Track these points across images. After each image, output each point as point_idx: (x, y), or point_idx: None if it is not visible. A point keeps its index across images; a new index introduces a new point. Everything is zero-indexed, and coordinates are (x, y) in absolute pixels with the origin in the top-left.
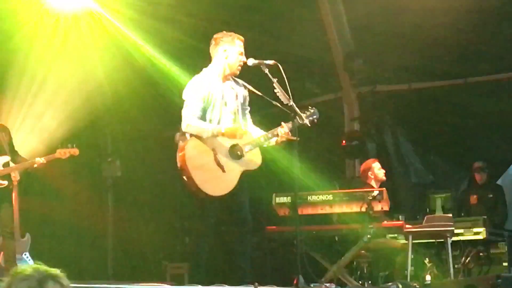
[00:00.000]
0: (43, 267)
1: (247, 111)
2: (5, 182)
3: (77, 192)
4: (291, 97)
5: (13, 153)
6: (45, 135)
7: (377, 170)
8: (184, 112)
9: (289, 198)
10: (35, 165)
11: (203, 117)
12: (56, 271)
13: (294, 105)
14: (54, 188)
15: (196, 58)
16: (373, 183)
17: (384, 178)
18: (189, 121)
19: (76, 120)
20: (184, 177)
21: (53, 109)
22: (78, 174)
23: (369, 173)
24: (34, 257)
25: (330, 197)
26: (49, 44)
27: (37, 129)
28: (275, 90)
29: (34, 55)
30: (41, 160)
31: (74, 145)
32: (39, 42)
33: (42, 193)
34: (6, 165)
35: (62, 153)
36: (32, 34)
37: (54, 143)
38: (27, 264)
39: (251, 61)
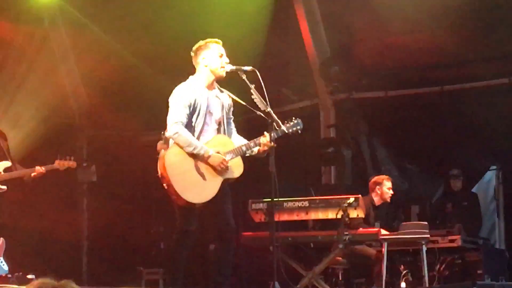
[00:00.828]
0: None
1: (231, 120)
2: (5, 187)
3: (52, 196)
4: (268, 103)
5: (11, 160)
6: (20, 140)
7: (386, 189)
8: (170, 118)
9: (265, 204)
10: (33, 174)
11: (188, 124)
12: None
13: (272, 112)
14: (28, 193)
15: (175, 63)
16: (375, 198)
17: (388, 199)
18: (179, 129)
19: (51, 124)
20: (164, 185)
21: (28, 114)
22: (53, 178)
23: (377, 187)
24: (8, 261)
25: (306, 203)
26: (26, 47)
27: (12, 135)
28: (253, 96)
29: (10, 59)
30: (41, 169)
31: (72, 158)
32: (16, 45)
33: (16, 198)
34: (7, 170)
35: (61, 164)
36: (8, 37)
37: (29, 148)
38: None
39: (228, 67)
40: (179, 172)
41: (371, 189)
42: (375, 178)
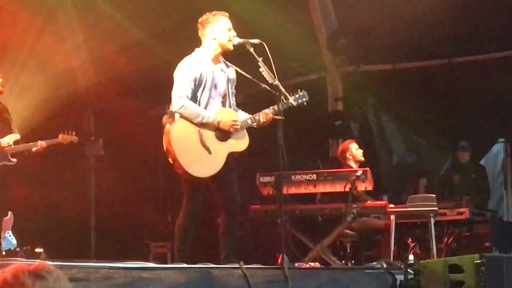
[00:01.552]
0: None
1: (233, 94)
2: (15, 160)
3: (60, 171)
4: (276, 76)
5: None
6: (27, 114)
7: (355, 150)
8: (175, 92)
9: (273, 177)
10: (35, 148)
11: (193, 99)
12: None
13: (279, 84)
14: (36, 167)
15: (182, 36)
16: (352, 163)
17: (362, 158)
18: (185, 102)
19: (58, 98)
20: (170, 159)
21: (36, 88)
22: (60, 153)
23: (347, 154)
24: (17, 235)
25: (314, 176)
26: (33, 22)
27: (19, 108)
28: (260, 69)
29: (17, 32)
30: (43, 143)
31: (74, 133)
32: (23, 19)
33: (24, 172)
34: (17, 143)
35: (64, 139)
36: (15, 10)
37: (36, 122)
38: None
39: (236, 40)
40: (184, 147)
41: (344, 159)
42: (340, 148)
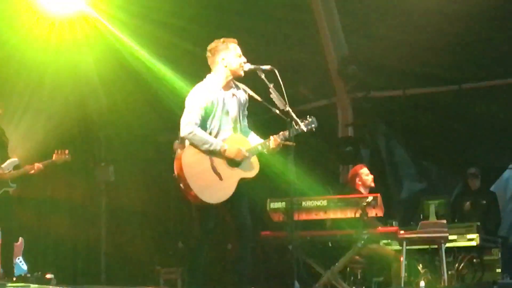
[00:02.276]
0: None
1: (245, 117)
2: (15, 185)
3: (71, 196)
4: (287, 102)
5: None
6: (39, 140)
7: (365, 176)
8: (184, 119)
9: (283, 203)
10: (32, 171)
11: (202, 126)
12: None
13: (290, 110)
14: (47, 192)
15: (191, 62)
16: (361, 189)
17: (372, 184)
18: (193, 129)
19: (69, 124)
20: (181, 185)
21: (47, 114)
22: (71, 178)
23: (357, 179)
24: (28, 261)
25: (324, 202)
26: (43, 49)
27: (31, 134)
28: (271, 95)
29: (28, 60)
30: (40, 165)
31: (67, 151)
32: (33, 47)
33: (35, 198)
34: (17, 167)
35: (58, 158)
36: (26, 39)
37: (47, 148)
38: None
39: (247, 66)
40: (196, 173)
41: (354, 184)
42: (350, 173)
